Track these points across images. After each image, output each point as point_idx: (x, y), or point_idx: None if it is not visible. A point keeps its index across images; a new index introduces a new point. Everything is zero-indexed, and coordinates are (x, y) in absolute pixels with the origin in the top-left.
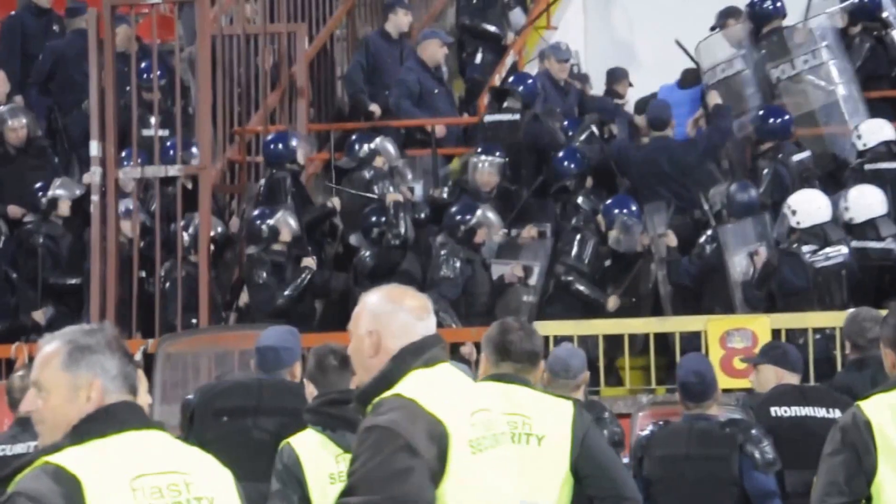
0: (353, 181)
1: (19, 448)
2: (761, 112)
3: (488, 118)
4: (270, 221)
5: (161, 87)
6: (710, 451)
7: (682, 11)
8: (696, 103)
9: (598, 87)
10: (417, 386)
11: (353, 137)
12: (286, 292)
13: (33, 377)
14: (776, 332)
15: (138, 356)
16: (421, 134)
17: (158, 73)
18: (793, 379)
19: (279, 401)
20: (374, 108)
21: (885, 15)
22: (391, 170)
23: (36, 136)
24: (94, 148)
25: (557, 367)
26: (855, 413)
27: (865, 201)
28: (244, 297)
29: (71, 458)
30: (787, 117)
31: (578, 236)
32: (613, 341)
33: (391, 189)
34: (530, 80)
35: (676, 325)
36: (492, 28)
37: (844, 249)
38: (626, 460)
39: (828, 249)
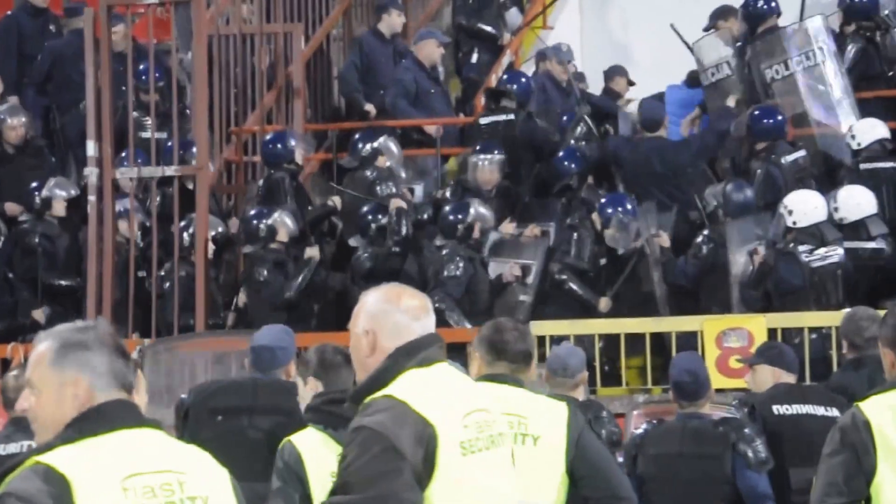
0: (356, 180)
1: (13, 447)
2: (755, 112)
3: (484, 120)
4: (268, 221)
5: (159, 88)
6: (704, 450)
7: (679, 11)
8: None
9: (594, 87)
10: (409, 387)
11: (357, 136)
12: (295, 283)
13: (26, 375)
14: (772, 332)
15: (135, 355)
16: (417, 134)
17: (157, 74)
18: (789, 379)
19: (274, 400)
20: (369, 107)
21: (885, 12)
22: (390, 170)
23: (33, 136)
24: (91, 148)
25: (556, 365)
26: (854, 413)
27: (854, 201)
28: (242, 297)
29: (61, 458)
30: (780, 117)
31: (575, 235)
32: (611, 341)
33: (393, 189)
34: (524, 79)
35: (672, 324)
36: (488, 28)
37: (840, 249)
38: (619, 459)
39: (824, 249)
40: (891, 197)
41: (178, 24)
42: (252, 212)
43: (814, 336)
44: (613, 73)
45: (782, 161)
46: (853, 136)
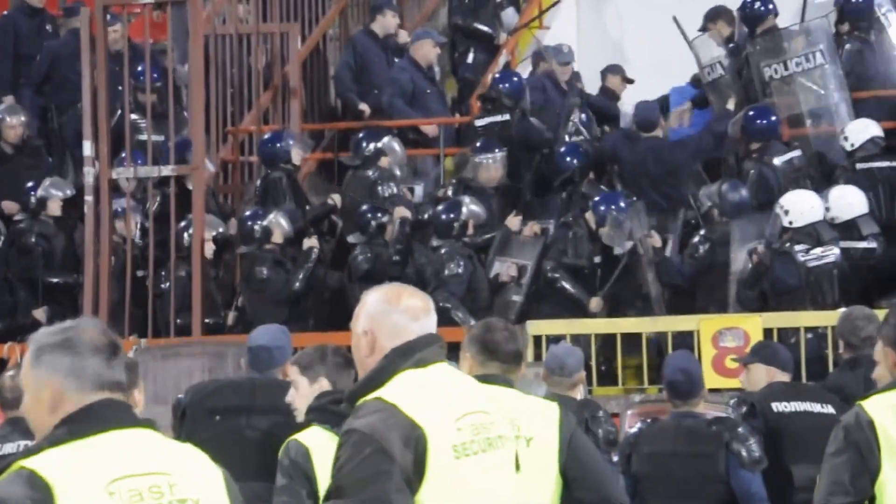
0: (357, 179)
1: (9, 448)
2: (750, 112)
3: (479, 121)
4: (263, 222)
5: (156, 88)
6: (697, 449)
7: (675, 11)
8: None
9: (590, 86)
10: (401, 389)
11: (360, 135)
12: (300, 275)
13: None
14: (768, 332)
15: (132, 355)
16: (413, 133)
17: (154, 75)
18: (783, 377)
19: (272, 400)
20: (364, 107)
21: (883, 11)
22: (392, 170)
23: (30, 136)
24: (88, 148)
25: (553, 364)
26: (858, 413)
27: (846, 201)
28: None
29: (45, 462)
30: (774, 118)
31: (571, 233)
32: (608, 340)
33: (394, 189)
34: (515, 78)
35: (669, 324)
36: (484, 28)
37: (836, 249)
38: (618, 459)
39: (820, 249)
40: (887, 196)
41: (173, 24)
42: (247, 213)
43: (810, 336)
44: (608, 71)
45: (775, 161)
46: (846, 138)
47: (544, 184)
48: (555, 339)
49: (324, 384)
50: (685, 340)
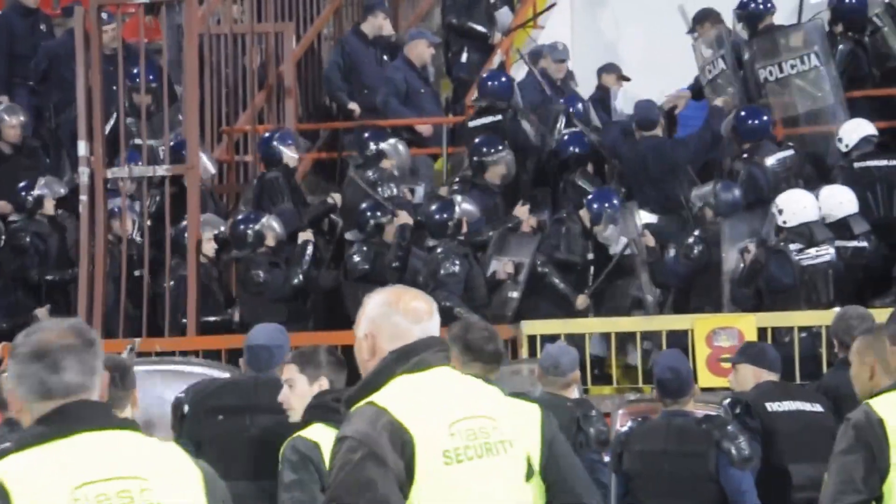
0: (361, 179)
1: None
2: (742, 112)
3: (472, 123)
4: (255, 227)
5: (153, 89)
6: (687, 448)
7: (669, 10)
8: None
9: (585, 85)
10: (393, 393)
11: (366, 135)
12: (299, 269)
13: None
14: (762, 331)
15: (125, 355)
16: (407, 133)
17: (150, 77)
18: (771, 378)
19: (274, 399)
20: (353, 106)
21: (876, 12)
22: (393, 172)
23: (26, 136)
24: (83, 148)
25: (547, 363)
26: (867, 411)
27: (837, 200)
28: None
29: (7, 468)
30: (766, 118)
31: (563, 228)
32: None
33: (394, 190)
34: (504, 78)
35: (663, 323)
36: (478, 27)
37: (832, 249)
38: (608, 458)
39: (815, 248)
40: (884, 194)
41: (165, 22)
42: (239, 217)
43: (804, 335)
44: (604, 70)
45: (767, 161)
46: (840, 140)
47: (539, 175)
48: (550, 339)
49: (324, 383)
50: (679, 340)
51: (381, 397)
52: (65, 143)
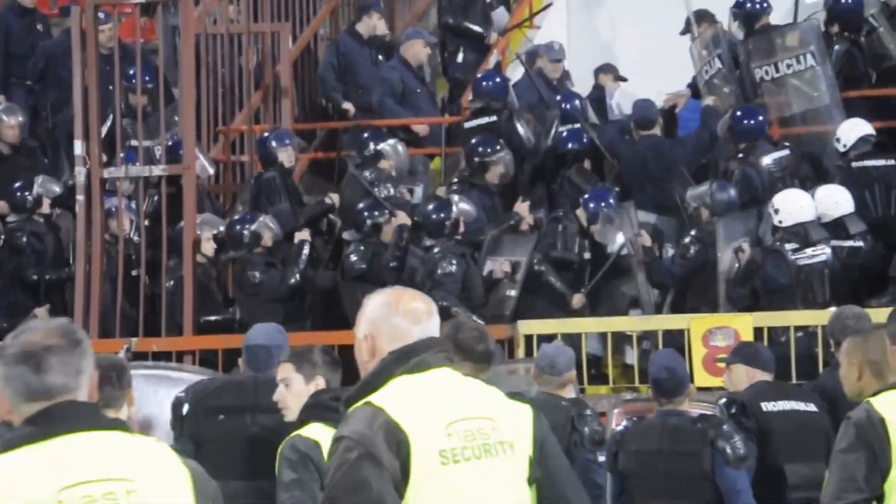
0: (356, 178)
1: None
2: (737, 112)
3: (468, 123)
4: (251, 227)
5: (149, 90)
6: (682, 447)
7: (665, 10)
8: None
9: (581, 86)
10: (391, 393)
11: (366, 135)
12: (296, 268)
13: None
14: (759, 331)
15: (122, 354)
16: (403, 133)
17: (146, 78)
18: (764, 378)
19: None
20: (348, 105)
21: (872, 12)
22: (391, 173)
23: (24, 136)
24: (79, 147)
25: (543, 363)
26: (868, 410)
27: (832, 199)
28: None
29: None
30: (761, 118)
31: (560, 226)
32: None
33: (391, 190)
34: (499, 79)
35: (660, 323)
36: (475, 27)
37: (828, 249)
38: (604, 458)
39: (811, 248)
40: (882, 194)
41: (159, 23)
42: (235, 217)
43: (800, 334)
44: (601, 70)
45: (761, 161)
46: (838, 140)
47: (536, 173)
48: (546, 339)
49: (320, 383)
50: (676, 339)
51: (378, 397)
52: (62, 142)
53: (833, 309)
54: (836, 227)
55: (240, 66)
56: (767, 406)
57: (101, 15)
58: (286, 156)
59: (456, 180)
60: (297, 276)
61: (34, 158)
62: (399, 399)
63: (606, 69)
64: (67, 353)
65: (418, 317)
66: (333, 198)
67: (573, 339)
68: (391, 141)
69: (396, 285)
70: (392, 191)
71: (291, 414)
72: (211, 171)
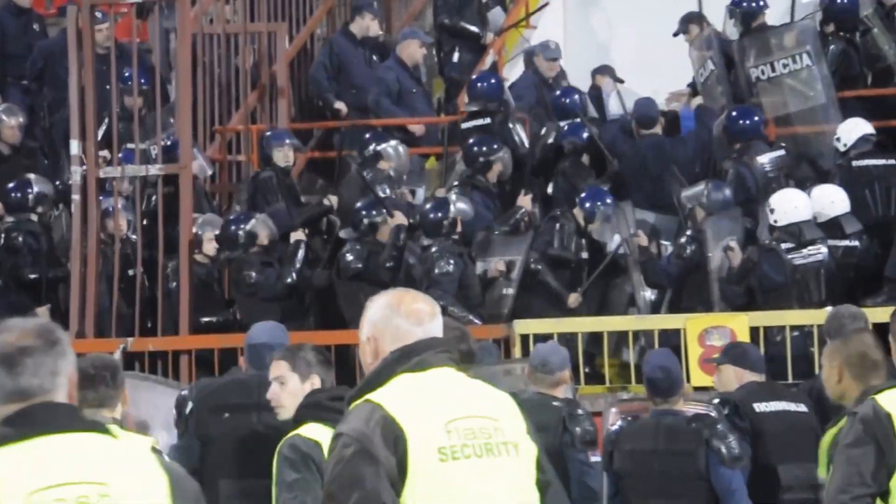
0: (355, 178)
1: None
2: (733, 113)
3: (465, 124)
4: (246, 227)
5: (144, 91)
6: (677, 446)
7: (662, 10)
8: None
9: (578, 86)
10: (391, 391)
11: (368, 136)
12: (292, 268)
13: None
14: (755, 330)
15: (117, 355)
16: (398, 133)
17: (142, 81)
18: (753, 378)
19: None
20: (340, 105)
21: (866, 13)
22: (389, 174)
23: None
24: (75, 147)
25: (536, 361)
26: (875, 406)
27: (828, 199)
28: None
29: None
30: (756, 118)
31: (558, 225)
32: (594, 338)
33: (388, 191)
34: (494, 80)
35: (656, 322)
36: (471, 27)
37: (824, 248)
38: (596, 458)
39: (807, 248)
40: (882, 193)
41: (151, 25)
42: (230, 217)
43: (796, 334)
44: (598, 72)
45: (755, 161)
46: (838, 139)
47: (542, 165)
48: (542, 338)
49: (315, 381)
50: (672, 339)
51: (377, 394)
52: (58, 142)
53: (829, 308)
54: (832, 227)
55: (236, 65)
56: (760, 407)
57: (97, 14)
58: (281, 155)
59: (456, 183)
60: (294, 275)
61: (35, 159)
62: (398, 396)
63: (603, 70)
64: (42, 355)
65: (421, 318)
66: (332, 200)
67: (569, 339)
68: (393, 142)
69: (392, 285)
70: (388, 191)
71: (286, 412)
72: (209, 171)
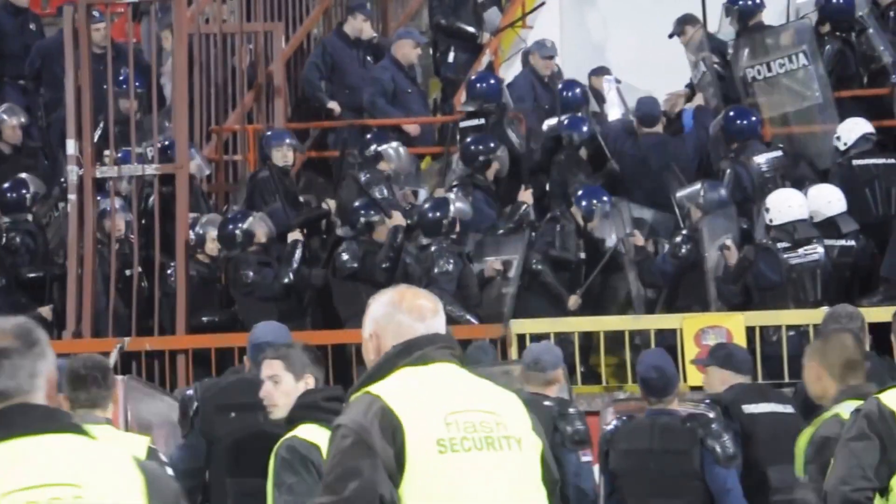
0: (354, 179)
1: None
2: (730, 112)
3: (463, 124)
4: (243, 226)
5: (140, 94)
6: (672, 446)
7: (658, 10)
8: None
9: None
10: (391, 383)
11: (369, 136)
12: (289, 268)
13: None
14: (750, 330)
15: (115, 355)
16: (394, 133)
17: (138, 83)
18: (739, 380)
19: None
20: (333, 105)
21: (861, 13)
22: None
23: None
24: (71, 147)
25: (528, 360)
26: (878, 404)
27: (824, 199)
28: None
29: None
30: (754, 118)
31: (558, 226)
32: (590, 338)
33: (385, 192)
34: (493, 80)
35: (652, 322)
36: (467, 27)
37: (820, 248)
38: (587, 458)
39: (802, 248)
40: (882, 192)
41: (144, 26)
42: (227, 217)
43: (791, 333)
44: (594, 73)
45: (752, 161)
46: (838, 138)
47: (539, 161)
48: (538, 338)
49: (310, 381)
50: (668, 339)
51: (377, 387)
52: (54, 141)
53: (825, 308)
54: (829, 227)
55: (233, 65)
56: (749, 408)
57: (94, 14)
58: (280, 155)
59: (455, 183)
60: (291, 275)
61: (35, 158)
62: (398, 388)
63: (600, 72)
64: (19, 356)
65: (423, 314)
66: (330, 204)
67: (564, 339)
68: (394, 144)
69: (388, 286)
70: (386, 192)
71: (279, 412)
72: (207, 170)
